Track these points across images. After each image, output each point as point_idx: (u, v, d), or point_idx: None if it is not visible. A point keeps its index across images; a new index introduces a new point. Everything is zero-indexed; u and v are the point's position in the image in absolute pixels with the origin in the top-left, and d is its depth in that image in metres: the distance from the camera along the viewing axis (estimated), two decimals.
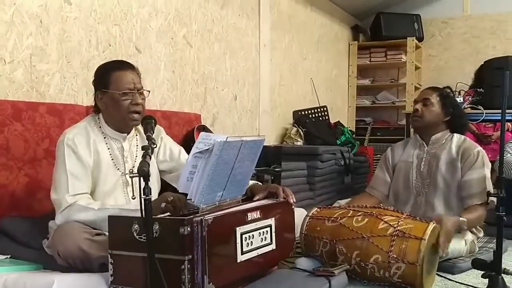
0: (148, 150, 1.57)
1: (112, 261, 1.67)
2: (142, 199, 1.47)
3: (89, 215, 1.90)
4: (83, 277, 1.69)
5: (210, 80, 3.79)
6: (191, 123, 3.38)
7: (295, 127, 4.71)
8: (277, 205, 1.97)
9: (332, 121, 5.20)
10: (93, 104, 2.15)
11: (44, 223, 2.13)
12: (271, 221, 1.90)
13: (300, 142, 4.62)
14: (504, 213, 1.90)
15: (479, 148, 2.70)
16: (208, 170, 1.67)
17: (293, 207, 2.07)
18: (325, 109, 5.18)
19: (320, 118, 5.10)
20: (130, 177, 1.66)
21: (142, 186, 1.47)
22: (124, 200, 2.09)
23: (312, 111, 5.04)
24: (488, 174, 2.61)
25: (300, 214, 2.55)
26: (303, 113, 4.91)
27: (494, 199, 2.03)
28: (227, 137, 1.66)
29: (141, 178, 1.46)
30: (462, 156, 2.68)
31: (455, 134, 2.78)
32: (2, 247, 2.07)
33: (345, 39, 6.26)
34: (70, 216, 1.91)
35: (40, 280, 1.62)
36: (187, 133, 3.30)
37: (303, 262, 2.12)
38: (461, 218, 2.41)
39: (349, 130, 5.24)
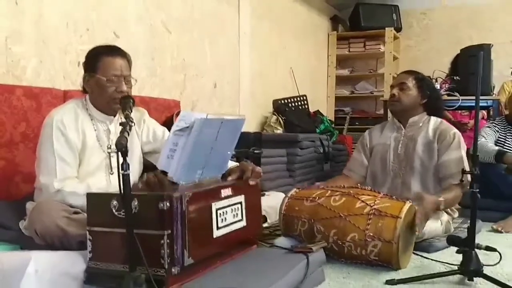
0: (126, 126, 1.56)
1: (91, 238, 1.67)
2: (121, 174, 1.48)
3: (77, 200, 1.91)
4: (61, 254, 1.68)
5: (190, 67, 3.78)
6: (170, 109, 3.37)
7: (275, 115, 4.73)
8: (246, 184, 1.99)
9: (311, 110, 5.23)
10: (82, 85, 2.14)
11: (21, 206, 2.12)
12: (241, 198, 1.91)
13: (280, 130, 4.64)
14: (478, 190, 1.94)
15: (455, 130, 2.75)
16: (188, 147, 1.68)
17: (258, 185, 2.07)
18: (304, 98, 5.21)
19: (300, 107, 5.13)
20: (108, 152, 1.66)
21: (120, 162, 1.47)
22: (105, 182, 2.09)
23: (292, 99, 5.07)
24: (465, 155, 2.65)
25: (279, 198, 2.58)
26: (283, 101, 4.93)
27: (469, 177, 2.07)
28: (207, 115, 1.67)
29: (119, 154, 1.47)
30: (438, 138, 2.72)
31: (432, 117, 2.82)
32: None
33: (324, 30, 6.29)
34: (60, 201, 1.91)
35: (17, 257, 1.60)
36: (166, 119, 3.29)
37: (282, 241, 2.14)
38: (439, 198, 2.45)
39: (328, 119, 5.29)
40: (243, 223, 1.91)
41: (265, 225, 2.55)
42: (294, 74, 5.34)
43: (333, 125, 5.34)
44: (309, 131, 4.63)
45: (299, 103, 5.15)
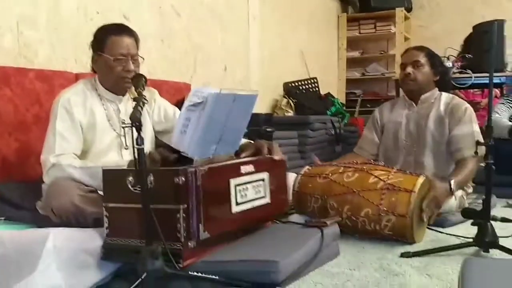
0: (139, 101, 1.57)
1: (107, 214, 1.69)
2: (135, 149, 1.49)
3: (72, 173, 1.92)
4: (78, 231, 1.70)
5: (200, 51, 3.77)
6: (181, 91, 3.38)
7: (286, 98, 4.72)
8: (270, 160, 1.98)
9: (322, 93, 5.21)
10: (91, 65, 2.16)
11: (37, 187, 2.14)
12: (265, 175, 1.91)
13: (290, 113, 4.63)
14: (492, 161, 1.93)
15: (468, 105, 2.72)
16: (202, 122, 1.68)
17: (283, 162, 2.07)
18: (315, 80, 5.18)
19: (311, 90, 5.10)
20: (122, 127, 1.66)
21: (135, 136, 1.48)
22: (117, 159, 2.10)
23: (303, 82, 5.04)
24: (477, 129, 2.62)
25: (292, 179, 2.58)
26: (293, 84, 4.91)
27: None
28: (220, 90, 1.67)
29: (133, 128, 1.48)
30: (450, 113, 2.69)
31: (443, 93, 2.79)
32: None
33: (334, 11, 6.23)
34: (55, 175, 1.94)
35: (36, 233, 1.63)
36: (177, 102, 3.28)
37: (296, 218, 2.15)
38: (452, 181, 2.38)
39: (340, 102, 5.27)
40: (266, 200, 1.91)
41: None
42: (305, 57, 5.31)
43: (344, 108, 5.32)
44: (320, 113, 4.61)
45: (310, 86, 5.13)
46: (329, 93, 5.27)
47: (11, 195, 2.14)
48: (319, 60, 5.76)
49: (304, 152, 4.05)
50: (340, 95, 6.11)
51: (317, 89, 5.18)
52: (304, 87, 5.04)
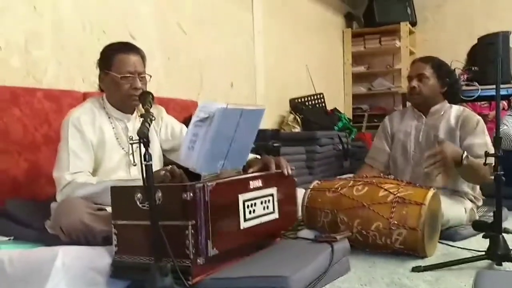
0: (146, 117, 1.57)
1: (116, 232, 1.68)
2: (143, 165, 1.49)
3: (88, 190, 1.93)
4: (87, 249, 1.70)
5: (206, 67, 3.79)
6: (188, 109, 3.39)
7: (292, 114, 4.72)
8: (278, 175, 1.98)
9: (328, 108, 5.21)
10: (98, 84, 2.17)
11: (46, 206, 2.14)
12: (273, 190, 1.91)
13: (297, 129, 4.63)
14: (502, 172, 1.91)
15: (479, 117, 2.68)
16: (209, 138, 1.68)
17: (292, 177, 2.06)
18: (321, 96, 5.18)
19: (317, 105, 5.10)
20: (130, 143, 1.66)
21: (143, 152, 1.48)
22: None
23: (309, 98, 5.05)
24: (489, 142, 2.58)
25: (301, 194, 2.56)
26: (299, 100, 4.92)
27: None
28: (227, 104, 1.67)
29: (141, 144, 1.48)
30: (461, 125, 2.65)
31: (453, 106, 2.77)
32: (5, 229, 2.06)
33: (339, 27, 6.27)
34: (70, 193, 1.93)
35: (45, 252, 1.63)
36: (184, 119, 3.29)
37: (306, 233, 2.13)
38: (465, 154, 2.36)
39: (346, 117, 5.26)
40: (275, 216, 1.90)
41: None
42: (310, 72, 5.33)
43: (351, 123, 5.32)
44: (327, 128, 4.60)
45: (316, 101, 5.13)
46: (335, 108, 5.27)
47: (20, 214, 2.14)
48: (325, 75, 5.78)
49: (312, 167, 4.03)
50: (346, 111, 6.12)
51: (323, 104, 5.18)
52: (310, 102, 5.04)
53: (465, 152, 2.38)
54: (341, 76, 6.26)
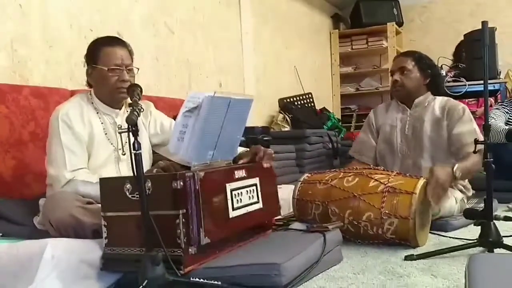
0: (135, 105, 1.56)
1: (106, 224, 1.66)
2: (133, 154, 1.47)
3: (88, 189, 1.91)
4: (77, 242, 1.67)
5: (194, 68, 3.79)
6: (177, 108, 3.33)
7: (282, 113, 4.73)
8: (260, 166, 1.98)
9: (317, 108, 5.22)
10: (86, 80, 2.16)
11: (34, 204, 2.12)
12: (256, 181, 1.90)
13: (287, 128, 4.63)
14: (492, 159, 1.91)
15: (463, 105, 2.71)
16: (198, 127, 1.67)
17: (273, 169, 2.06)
18: (310, 96, 5.20)
19: (306, 105, 5.12)
20: (119, 132, 1.64)
21: (132, 141, 1.47)
22: (115, 174, 2.08)
23: (298, 98, 5.06)
24: (477, 128, 2.59)
25: (291, 190, 2.55)
26: (288, 100, 4.93)
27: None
28: (214, 92, 1.66)
29: (130, 133, 1.46)
30: (447, 114, 2.67)
31: (437, 97, 2.79)
32: None
33: (326, 28, 6.30)
34: (71, 191, 1.91)
35: (33, 245, 1.59)
36: (174, 117, 3.28)
37: (297, 225, 2.12)
38: (454, 166, 2.34)
39: (335, 117, 5.28)
40: (259, 205, 1.90)
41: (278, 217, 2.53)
42: (298, 73, 5.34)
43: (340, 123, 5.33)
44: (317, 128, 4.61)
45: (305, 101, 5.14)
46: (324, 107, 5.29)
47: (8, 211, 2.11)
48: (313, 76, 5.80)
49: (302, 166, 4.04)
50: (335, 111, 6.14)
51: (312, 104, 5.19)
52: (299, 102, 5.05)
53: (455, 166, 2.35)
54: (329, 77, 6.29)
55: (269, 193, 1.98)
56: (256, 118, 4.53)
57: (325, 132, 4.53)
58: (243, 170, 1.84)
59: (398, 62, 2.84)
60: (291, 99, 4.97)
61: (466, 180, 2.71)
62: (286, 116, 4.67)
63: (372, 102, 6.48)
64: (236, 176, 1.80)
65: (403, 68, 2.77)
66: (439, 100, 2.77)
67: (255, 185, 1.89)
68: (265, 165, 1.99)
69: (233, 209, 1.74)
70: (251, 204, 1.85)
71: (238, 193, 1.78)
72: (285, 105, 4.82)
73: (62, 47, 2.73)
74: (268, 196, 1.96)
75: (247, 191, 1.83)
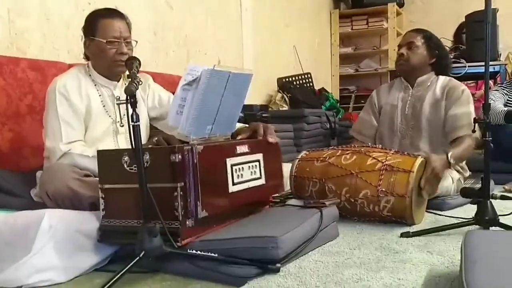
0: (134, 77, 1.54)
1: (103, 196, 1.66)
2: (131, 125, 1.46)
3: (84, 162, 1.90)
4: (74, 213, 1.68)
5: (193, 44, 3.76)
6: (175, 84, 3.31)
7: (280, 93, 4.70)
8: (265, 142, 1.97)
9: (316, 88, 5.20)
10: (84, 52, 2.14)
11: (31, 176, 2.11)
12: (259, 156, 1.90)
13: (285, 108, 4.62)
14: (490, 138, 1.91)
15: (465, 86, 2.71)
16: (197, 100, 1.66)
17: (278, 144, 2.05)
18: (309, 76, 5.16)
19: (305, 85, 5.09)
20: (117, 104, 1.64)
21: (130, 112, 1.46)
22: (113, 147, 2.07)
23: (297, 77, 5.03)
24: (473, 111, 2.60)
25: (287, 169, 2.55)
26: (287, 79, 4.90)
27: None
28: (214, 65, 1.65)
29: (129, 104, 1.45)
30: (447, 94, 2.67)
31: (440, 76, 2.78)
32: None
33: (326, 8, 6.24)
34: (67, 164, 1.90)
35: (30, 215, 1.60)
36: (172, 93, 3.28)
37: (294, 202, 2.12)
38: (449, 153, 2.36)
39: (334, 97, 5.26)
40: (261, 181, 1.89)
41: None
42: (298, 52, 5.30)
43: (338, 104, 5.32)
44: (315, 107, 4.60)
45: (304, 81, 5.11)
46: (323, 88, 5.27)
47: (5, 183, 2.10)
48: (312, 56, 5.76)
49: (299, 145, 4.03)
50: (334, 91, 6.11)
51: (311, 84, 5.17)
52: (298, 82, 5.02)
53: (449, 153, 2.35)
54: (328, 57, 6.25)
55: (273, 169, 1.97)
56: (254, 97, 4.51)
57: (323, 112, 4.52)
58: (246, 146, 1.83)
59: (407, 37, 2.85)
60: (290, 79, 4.94)
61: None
62: (285, 95, 4.65)
63: (371, 84, 6.47)
64: (238, 152, 1.79)
65: (412, 44, 2.77)
66: (441, 80, 2.76)
67: (258, 161, 1.88)
68: (271, 139, 1.98)
69: (233, 184, 1.74)
70: (253, 179, 1.84)
71: (239, 168, 1.77)
72: (284, 84, 4.80)
73: (60, 19, 2.69)
74: (272, 172, 1.96)
75: (249, 166, 1.83)
